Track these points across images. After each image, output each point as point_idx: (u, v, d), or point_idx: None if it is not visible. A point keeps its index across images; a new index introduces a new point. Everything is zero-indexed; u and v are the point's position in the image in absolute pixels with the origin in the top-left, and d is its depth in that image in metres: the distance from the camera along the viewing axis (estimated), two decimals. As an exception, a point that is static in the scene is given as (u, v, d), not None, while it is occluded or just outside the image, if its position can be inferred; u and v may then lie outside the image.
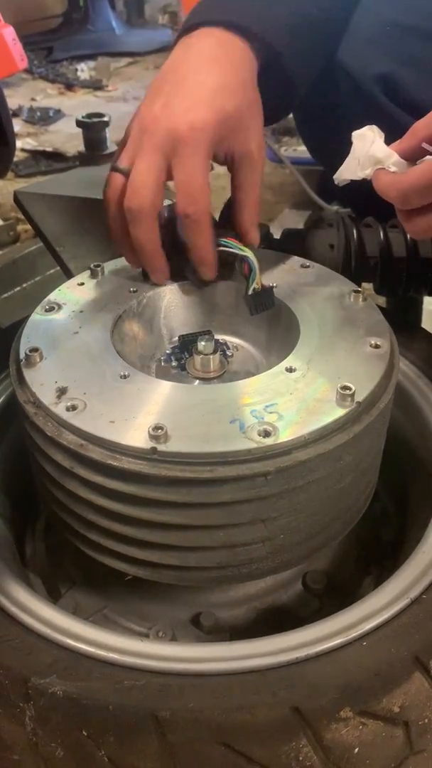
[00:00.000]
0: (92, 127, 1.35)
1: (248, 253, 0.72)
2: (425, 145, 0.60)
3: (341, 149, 0.66)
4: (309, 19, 0.82)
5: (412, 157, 0.62)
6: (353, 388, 0.61)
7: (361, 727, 0.51)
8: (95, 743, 0.51)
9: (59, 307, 0.74)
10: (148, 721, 0.51)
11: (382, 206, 0.65)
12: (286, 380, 0.64)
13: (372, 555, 0.84)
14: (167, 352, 0.76)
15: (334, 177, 0.68)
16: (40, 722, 0.52)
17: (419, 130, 0.61)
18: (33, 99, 3.54)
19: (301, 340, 0.68)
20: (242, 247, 0.73)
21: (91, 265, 0.79)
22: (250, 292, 0.72)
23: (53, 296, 0.76)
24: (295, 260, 0.81)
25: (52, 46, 4.17)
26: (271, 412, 0.60)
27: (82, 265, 0.81)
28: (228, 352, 0.76)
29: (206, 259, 0.73)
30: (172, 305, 0.78)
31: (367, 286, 0.87)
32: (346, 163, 0.66)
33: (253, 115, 0.74)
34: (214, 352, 0.71)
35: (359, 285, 0.77)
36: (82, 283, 0.78)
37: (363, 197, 0.70)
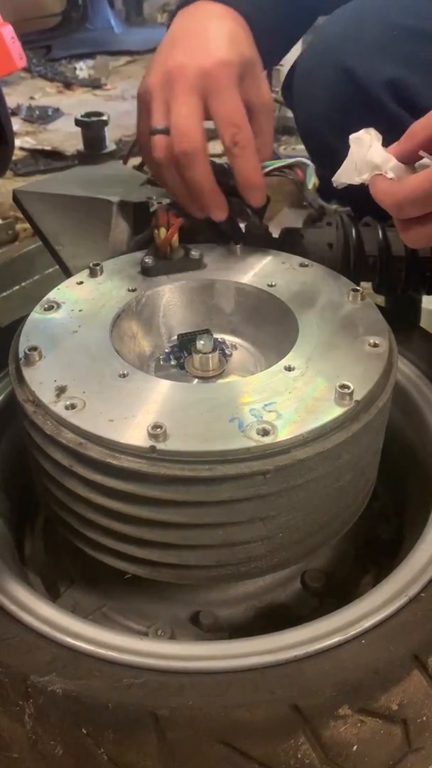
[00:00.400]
0: (91, 126, 1.35)
1: (296, 160, 0.82)
2: (422, 153, 0.60)
3: (342, 152, 0.66)
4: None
5: (411, 159, 0.61)
6: (352, 387, 0.61)
7: (359, 724, 0.52)
8: (94, 741, 0.51)
9: (58, 305, 0.74)
10: (147, 719, 0.51)
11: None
12: (285, 379, 0.64)
13: (370, 553, 0.84)
14: (166, 350, 0.76)
15: (333, 180, 0.68)
16: (40, 720, 0.52)
17: (417, 131, 0.61)
18: (32, 98, 3.53)
19: (299, 339, 0.69)
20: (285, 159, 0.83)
21: (90, 264, 0.79)
22: (310, 186, 0.80)
23: (52, 295, 0.76)
24: (294, 259, 0.81)
25: (51, 45, 4.15)
26: (269, 411, 0.60)
27: (81, 264, 0.81)
28: (227, 351, 0.76)
29: (257, 183, 0.77)
30: (171, 304, 0.78)
31: (366, 285, 0.87)
32: (343, 167, 0.66)
33: (261, 68, 0.79)
34: (213, 350, 0.71)
35: (358, 284, 0.77)
36: (81, 282, 0.78)
37: (362, 196, 0.70)
